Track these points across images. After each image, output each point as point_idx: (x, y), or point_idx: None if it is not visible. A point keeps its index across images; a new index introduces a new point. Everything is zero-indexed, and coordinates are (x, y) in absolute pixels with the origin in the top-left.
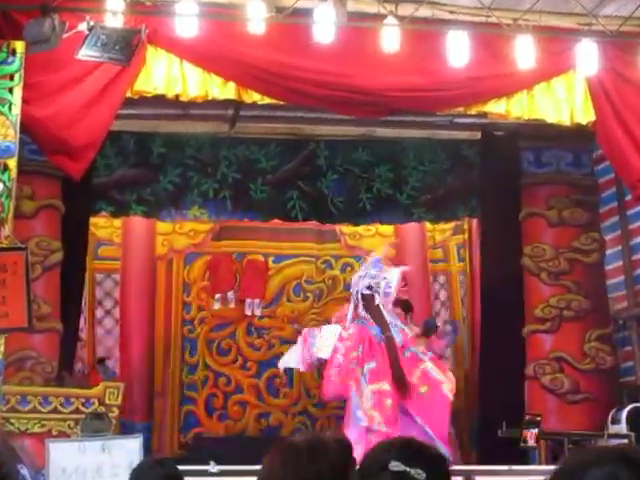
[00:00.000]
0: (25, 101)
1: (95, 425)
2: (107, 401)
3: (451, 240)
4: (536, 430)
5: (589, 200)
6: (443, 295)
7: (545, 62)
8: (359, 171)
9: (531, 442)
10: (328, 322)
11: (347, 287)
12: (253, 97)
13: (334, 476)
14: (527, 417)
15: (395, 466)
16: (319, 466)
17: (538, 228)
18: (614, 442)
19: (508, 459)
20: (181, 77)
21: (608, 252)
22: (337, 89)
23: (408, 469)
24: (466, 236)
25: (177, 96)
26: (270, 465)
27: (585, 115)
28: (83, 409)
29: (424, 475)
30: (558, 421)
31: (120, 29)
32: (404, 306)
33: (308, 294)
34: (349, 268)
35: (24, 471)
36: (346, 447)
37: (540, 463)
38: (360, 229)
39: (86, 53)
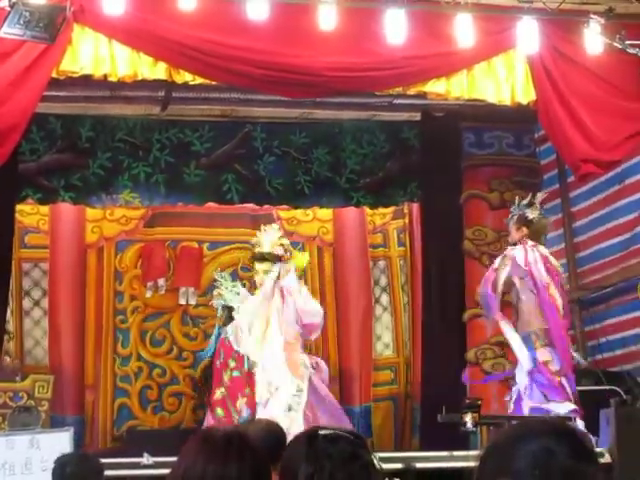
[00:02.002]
0: None
1: (23, 419)
2: (36, 394)
3: (391, 224)
4: (476, 414)
5: (531, 182)
6: (383, 281)
7: (485, 41)
8: (297, 153)
9: (471, 426)
10: None
11: None
12: (185, 77)
13: (253, 472)
14: (467, 401)
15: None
16: (236, 462)
17: (479, 211)
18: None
19: (450, 445)
20: (109, 57)
21: (550, 235)
22: (272, 69)
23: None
24: (406, 220)
25: (105, 76)
26: (185, 458)
27: (526, 95)
28: (11, 403)
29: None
30: (501, 406)
31: (44, 5)
32: None
33: (245, 282)
34: None
35: None
36: (275, 437)
37: (481, 448)
38: (298, 214)
39: (8, 31)
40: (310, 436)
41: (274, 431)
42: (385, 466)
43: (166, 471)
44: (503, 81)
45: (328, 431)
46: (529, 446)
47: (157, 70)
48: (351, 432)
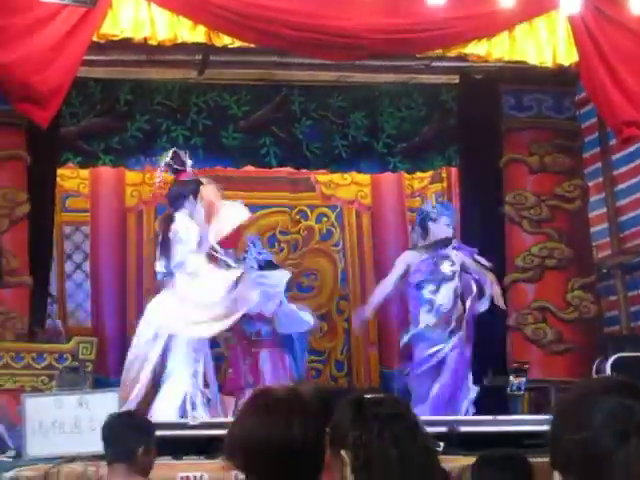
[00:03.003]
0: None
1: (71, 378)
2: (81, 356)
3: (429, 189)
4: (523, 378)
5: (572, 145)
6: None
7: (527, 1)
8: (334, 117)
9: (518, 390)
10: (303, 274)
11: (322, 238)
12: (224, 41)
13: (316, 433)
14: (514, 365)
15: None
16: (300, 423)
17: (519, 175)
18: None
19: (489, 410)
20: (149, 20)
21: (591, 199)
22: (310, 31)
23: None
24: (445, 184)
25: (145, 40)
26: (245, 421)
27: (568, 56)
28: (56, 364)
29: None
30: (541, 372)
31: None
32: None
33: (283, 245)
34: (325, 218)
35: (0, 427)
36: (324, 399)
37: (523, 413)
38: (336, 177)
39: None
40: (356, 400)
41: (324, 392)
42: (428, 429)
43: (211, 432)
44: (545, 42)
45: (373, 395)
46: (607, 402)
47: (196, 33)
48: (394, 397)
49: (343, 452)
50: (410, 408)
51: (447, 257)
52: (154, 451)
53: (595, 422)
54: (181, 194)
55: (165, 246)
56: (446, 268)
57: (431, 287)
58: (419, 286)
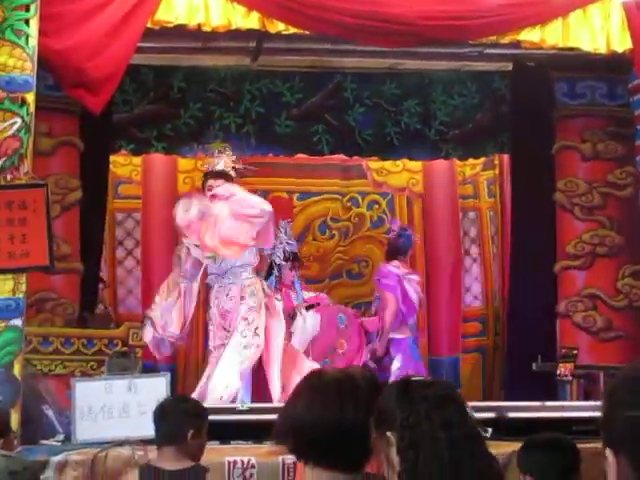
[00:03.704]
0: (43, 33)
1: (121, 363)
2: (131, 342)
3: (481, 176)
4: (572, 364)
5: (624, 133)
6: (473, 232)
7: None
8: (387, 104)
9: (567, 375)
10: (353, 261)
11: (374, 225)
12: (278, 27)
13: (367, 409)
14: (563, 350)
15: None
16: (351, 405)
17: (571, 162)
18: None
19: (537, 398)
20: (203, 6)
21: None
22: (364, 17)
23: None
24: (497, 171)
25: (199, 26)
26: (298, 402)
27: (622, 43)
28: (106, 350)
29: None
30: (591, 359)
31: None
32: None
33: (334, 232)
34: (376, 205)
35: (49, 412)
36: (372, 383)
37: (572, 399)
38: (387, 164)
39: None
40: (404, 382)
41: (370, 377)
42: (476, 415)
43: (261, 417)
44: (598, 29)
45: (420, 378)
46: None
47: (250, 20)
48: (443, 380)
49: (389, 433)
50: (458, 392)
51: None
52: (205, 436)
53: None
54: None
55: None
56: None
57: None
58: None
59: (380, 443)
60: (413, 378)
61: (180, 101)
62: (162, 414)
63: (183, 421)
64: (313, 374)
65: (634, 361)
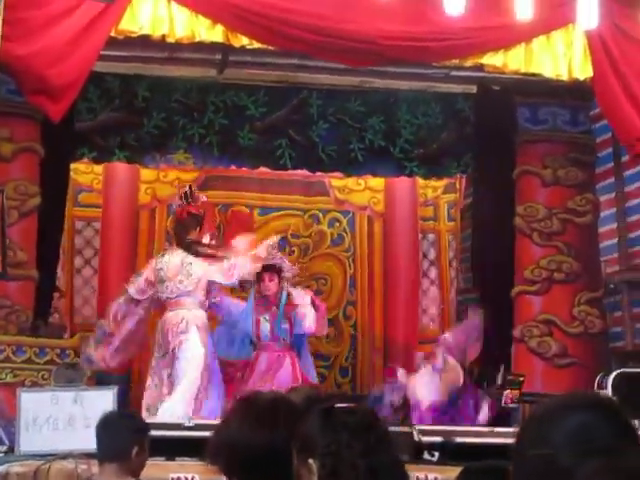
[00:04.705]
0: (5, 38)
1: (68, 375)
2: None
3: (442, 199)
4: (517, 391)
5: (585, 159)
6: (432, 254)
7: (544, 15)
8: (351, 121)
9: (512, 403)
10: (312, 278)
11: (334, 242)
12: (242, 41)
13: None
14: (510, 377)
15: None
16: (284, 428)
17: (532, 187)
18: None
19: (492, 421)
20: (168, 17)
21: (602, 214)
22: (328, 35)
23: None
24: (458, 195)
25: (163, 37)
26: (230, 422)
27: (583, 71)
28: (58, 360)
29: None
30: (545, 385)
31: None
32: None
33: (294, 248)
34: (337, 223)
35: None
36: (316, 404)
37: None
38: (350, 183)
39: None
40: (326, 409)
41: (315, 398)
42: (424, 439)
43: (208, 434)
44: (561, 56)
45: (344, 404)
46: (571, 419)
47: (215, 32)
48: (366, 407)
49: (311, 460)
50: (382, 419)
51: None
52: (147, 452)
53: (556, 439)
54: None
55: None
56: None
57: None
58: None
59: (302, 470)
60: (337, 405)
61: (144, 110)
62: (106, 429)
63: (128, 437)
64: (248, 395)
65: (550, 396)
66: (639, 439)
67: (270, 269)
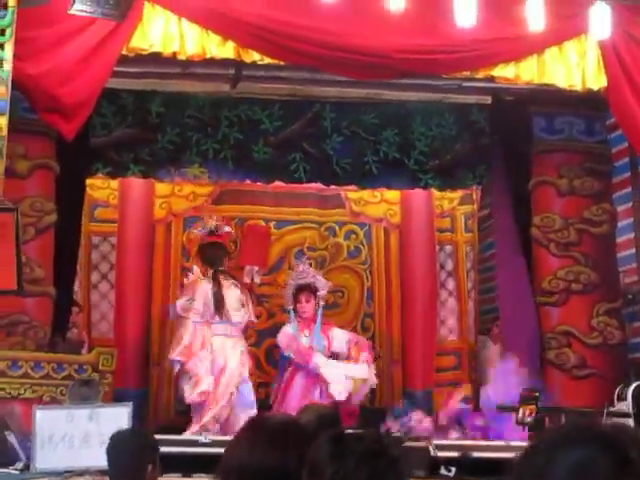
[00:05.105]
0: (17, 57)
1: (83, 392)
2: (101, 367)
3: (459, 210)
4: (533, 406)
5: (601, 169)
6: (449, 265)
7: (556, 25)
8: (365, 134)
9: (527, 418)
10: (329, 291)
11: (350, 255)
12: (253, 57)
13: (300, 464)
14: (524, 393)
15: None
16: (296, 451)
17: (548, 197)
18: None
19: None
20: (179, 35)
21: (620, 224)
22: (339, 49)
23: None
24: (475, 206)
25: (174, 54)
26: (241, 446)
27: (597, 81)
28: (76, 375)
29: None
30: (563, 397)
31: None
32: None
33: (310, 261)
34: (353, 235)
35: (11, 438)
36: (328, 422)
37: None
38: (365, 195)
39: (79, 8)
40: (335, 435)
41: (327, 416)
42: (441, 454)
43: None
44: (574, 66)
45: (353, 431)
46: (569, 455)
47: (226, 49)
48: (378, 432)
49: None
50: (392, 444)
51: None
52: (158, 469)
53: (557, 474)
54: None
55: None
56: None
57: None
58: None
59: None
60: (346, 431)
61: (158, 126)
62: (119, 447)
63: (142, 455)
64: (259, 417)
65: (544, 433)
66: None
67: (305, 289)
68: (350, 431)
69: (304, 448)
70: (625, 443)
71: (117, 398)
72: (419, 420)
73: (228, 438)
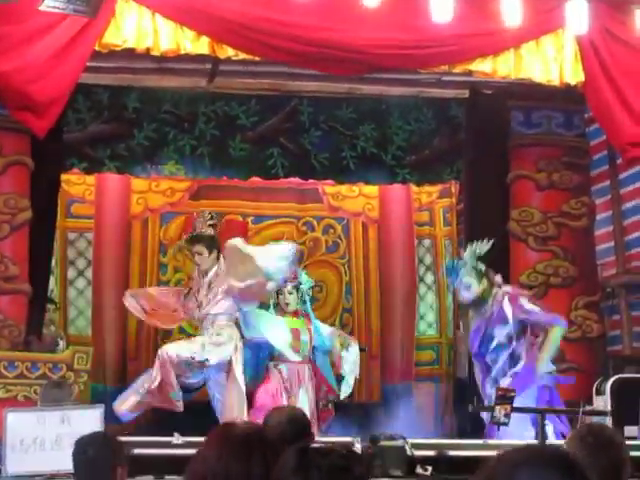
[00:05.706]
0: None
1: (54, 394)
2: (76, 366)
3: (437, 203)
4: (508, 405)
5: (580, 163)
6: (428, 259)
7: (533, 20)
8: (343, 128)
9: (502, 418)
10: None
11: (329, 250)
12: (227, 52)
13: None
14: (499, 392)
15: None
16: (260, 460)
17: (526, 191)
18: (593, 419)
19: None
20: (152, 30)
21: (598, 217)
22: (315, 45)
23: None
24: (453, 200)
25: (148, 50)
26: (207, 453)
27: (574, 75)
28: (50, 374)
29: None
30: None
31: None
32: None
33: None
34: (331, 230)
35: None
36: (299, 425)
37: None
38: (343, 189)
39: (50, 4)
40: (301, 449)
41: (297, 419)
42: (417, 453)
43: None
44: (551, 61)
45: (320, 445)
46: (525, 473)
47: (200, 44)
48: (345, 447)
49: None
50: (358, 460)
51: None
52: (126, 472)
53: None
54: None
55: None
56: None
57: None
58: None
59: None
60: (312, 445)
61: (134, 121)
62: (88, 451)
63: (112, 459)
64: (224, 426)
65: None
66: None
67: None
68: (315, 446)
69: (267, 456)
70: (579, 466)
71: (94, 395)
72: None
73: (201, 439)
